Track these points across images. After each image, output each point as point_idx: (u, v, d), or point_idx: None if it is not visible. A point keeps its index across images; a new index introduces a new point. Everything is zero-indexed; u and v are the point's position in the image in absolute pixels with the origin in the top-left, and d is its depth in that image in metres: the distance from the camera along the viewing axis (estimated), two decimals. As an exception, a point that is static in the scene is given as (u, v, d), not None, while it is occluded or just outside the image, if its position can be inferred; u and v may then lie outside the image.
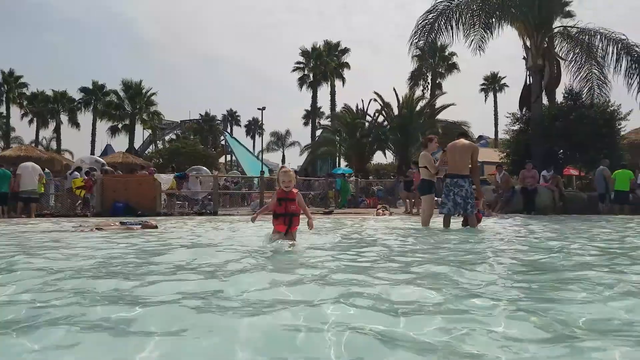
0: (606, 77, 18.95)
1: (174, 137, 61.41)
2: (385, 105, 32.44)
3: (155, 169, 21.04)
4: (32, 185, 16.11)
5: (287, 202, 5.55)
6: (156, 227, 9.34)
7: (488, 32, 18.46)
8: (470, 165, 8.84)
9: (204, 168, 26.32)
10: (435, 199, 9.93)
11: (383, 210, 15.99)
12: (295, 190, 5.65)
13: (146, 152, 55.80)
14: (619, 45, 18.41)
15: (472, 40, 18.70)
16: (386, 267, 4.03)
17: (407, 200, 17.78)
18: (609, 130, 18.31)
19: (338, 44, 54.38)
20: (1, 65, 61.90)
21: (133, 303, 2.51)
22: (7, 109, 54.39)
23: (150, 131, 56.83)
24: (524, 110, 20.39)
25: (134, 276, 3.46)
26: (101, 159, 23.45)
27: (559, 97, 20.37)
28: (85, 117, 57.55)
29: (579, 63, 19.36)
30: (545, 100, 19.92)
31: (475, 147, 9.07)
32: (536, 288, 3.10)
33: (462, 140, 8.99)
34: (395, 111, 32.18)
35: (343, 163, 40.32)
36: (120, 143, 55.76)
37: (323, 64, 53.26)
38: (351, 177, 27.38)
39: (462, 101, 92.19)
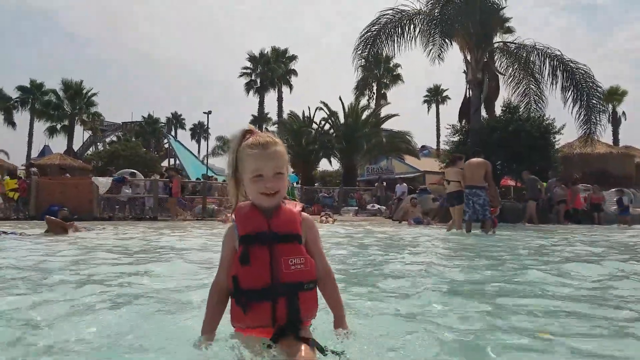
0: (542, 93, 19.98)
1: (114, 139, 59.39)
2: (332, 114, 32.76)
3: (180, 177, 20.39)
4: None
5: (270, 247, 1.85)
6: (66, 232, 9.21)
7: (446, 41, 18.99)
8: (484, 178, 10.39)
9: (135, 171, 25.21)
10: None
11: (327, 218, 16.16)
12: (296, 209, 1.99)
13: (86, 154, 53.65)
14: (555, 61, 19.39)
15: (431, 50, 19.24)
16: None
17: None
18: (544, 142, 19.32)
19: (286, 50, 54.44)
20: None
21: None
22: (-64, 106, 50.90)
23: (90, 132, 54.69)
24: (463, 122, 21.15)
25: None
26: None
27: (498, 110, 21.29)
28: (22, 117, 54.66)
29: (517, 78, 20.33)
30: (484, 113, 20.75)
31: (488, 164, 10.69)
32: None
33: (477, 159, 10.72)
34: (342, 119, 32.56)
35: (289, 169, 40.18)
36: (58, 144, 53.42)
37: (270, 70, 53.13)
38: (297, 184, 27.50)
39: (406, 112, 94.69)
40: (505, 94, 20.90)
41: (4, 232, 8.77)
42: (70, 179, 19.84)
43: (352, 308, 2.54)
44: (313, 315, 1.88)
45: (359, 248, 6.84)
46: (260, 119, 55.76)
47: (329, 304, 1.94)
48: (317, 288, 1.90)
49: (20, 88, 52.09)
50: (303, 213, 1.96)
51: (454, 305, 2.76)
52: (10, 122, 54.34)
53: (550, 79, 19.31)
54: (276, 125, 46.95)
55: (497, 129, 19.26)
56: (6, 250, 5.81)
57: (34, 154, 49.84)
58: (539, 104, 19.93)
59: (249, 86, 54.70)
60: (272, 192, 1.84)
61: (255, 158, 1.84)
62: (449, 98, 60.95)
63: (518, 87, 20.25)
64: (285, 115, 44.09)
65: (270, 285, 1.77)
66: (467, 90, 20.48)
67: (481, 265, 4.89)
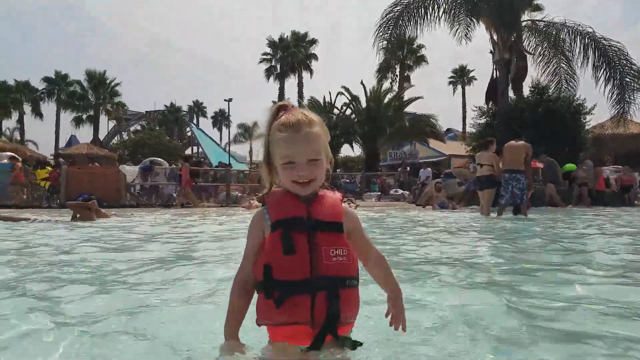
0: (574, 71, 19.40)
1: (139, 128, 60.12)
2: (353, 99, 32.42)
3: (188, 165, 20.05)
4: None
5: (309, 235, 1.62)
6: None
7: (473, 20, 18.59)
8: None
9: (157, 159, 25.43)
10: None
11: (349, 204, 15.98)
12: (333, 196, 1.76)
13: (111, 143, 54.49)
14: (587, 39, 18.79)
15: (457, 30, 18.86)
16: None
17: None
18: (574, 123, 18.81)
19: (306, 34, 54.10)
20: None
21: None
22: (-32, 99, 52.21)
23: (114, 122, 55.48)
24: (490, 104, 20.72)
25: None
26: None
27: (526, 90, 20.78)
28: (48, 108, 55.96)
29: (547, 57, 19.78)
30: (511, 94, 20.29)
31: (530, 147, 10.52)
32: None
33: (518, 142, 10.53)
34: (364, 104, 32.23)
35: (328, 152, 40.07)
36: (84, 134, 54.35)
37: (290, 54, 52.88)
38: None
39: (431, 94, 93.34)
40: (534, 73, 20.38)
41: (36, 220, 8.95)
42: (98, 168, 20.14)
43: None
44: (354, 317, 1.66)
45: (384, 233, 6.75)
46: (279, 106, 55.58)
47: (380, 280, 1.76)
48: (370, 273, 1.76)
49: (46, 79, 53.10)
50: (345, 204, 1.74)
51: (497, 296, 2.65)
52: (38, 114, 55.60)
53: (581, 57, 18.74)
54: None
55: (526, 110, 18.80)
56: (42, 236, 5.86)
57: (62, 144, 50.81)
58: (570, 83, 19.41)
59: (269, 72, 54.62)
60: (305, 180, 1.61)
61: (285, 142, 1.59)
62: (476, 79, 59.89)
63: (548, 67, 19.73)
64: (305, 102, 43.97)
65: (309, 278, 1.54)
66: (494, 71, 20.04)
67: (526, 248, 4.75)
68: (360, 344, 1.58)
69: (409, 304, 2.39)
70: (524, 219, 9.74)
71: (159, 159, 24.43)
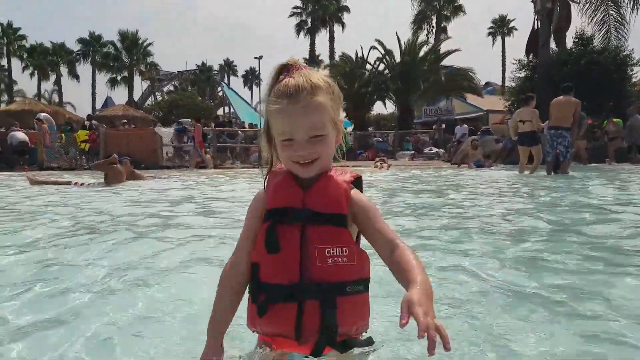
0: (624, 18, 18.24)
1: (172, 88, 60.59)
2: (387, 53, 31.51)
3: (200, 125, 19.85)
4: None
5: (302, 229, 1.35)
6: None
7: None
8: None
9: (188, 120, 25.53)
10: None
11: (381, 164, 15.81)
12: (344, 177, 1.43)
13: (145, 104, 55.22)
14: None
15: None
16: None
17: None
18: (620, 76, 17.88)
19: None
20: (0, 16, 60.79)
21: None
22: (9, 62, 53.73)
23: (148, 82, 56.08)
24: (530, 56, 19.87)
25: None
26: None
27: (569, 42, 19.78)
28: (84, 69, 57.02)
29: (594, 4, 18.60)
30: (553, 45, 19.37)
31: (578, 102, 10.12)
32: None
33: (567, 97, 10.09)
34: (398, 58, 31.37)
35: (342, 116, 39.64)
36: (120, 95, 55.32)
37: (322, 7, 51.68)
38: (350, 129, 27.14)
39: (469, 46, 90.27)
40: (578, 23, 19.32)
41: (77, 183, 9.22)
42: (134, 129, 20.52)
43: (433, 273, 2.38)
44: (362, 328, 1.37)
45: (421, 195, 6.63)
46: (311, 62, 54.95)
47: (401, 275, 1.23)
48: (388, 267, 1.30)
49: (81, 41, 53.85)
50: (354, 190, 1.40)
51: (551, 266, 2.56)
52: (74, 75, 56.77)
53: (631, 4, 17.58)
54: (327, 68, 46.18)
55: (568, 63, 17.95)
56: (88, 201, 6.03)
57: (98, 105, 51.85)
58: (619, 32, 18.27)
59: (299, 27, 53.70)
60: (306, 160, 1.34)
61: (280, 115, 1.32)
62: (516, 29, 57.43)
63: (595, 15, 18.56)
64: (337, 57, 43.20)
65: (297, 282, 1.29)
66: (535, 21, 19.12)
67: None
68: (372, 342, 1.38)
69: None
70: (565, 177, 9.56)
71: (188, 120, 24.62)
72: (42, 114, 20.06)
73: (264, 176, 1.47)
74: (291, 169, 1.38)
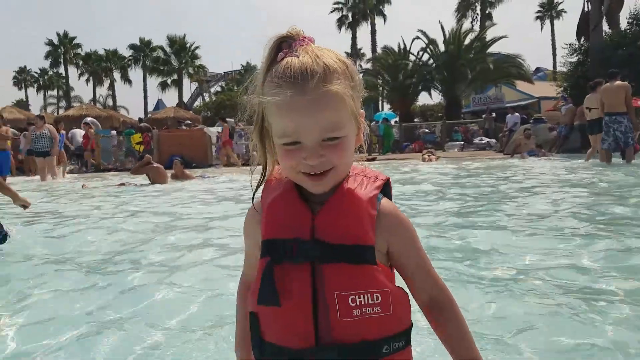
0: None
1: (219, 89, 61.89)
2: (430, 42, 31.03)
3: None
4: None
5: (313, 269, 0.98)
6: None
7: None
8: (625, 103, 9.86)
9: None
10: None
11: (429, 156, 15.66)
12: (369, 190, 1.04)
13: (194, 105, 56.73)
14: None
15: None
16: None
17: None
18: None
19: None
20: (57, 27, 64.90)
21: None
22: (65, 69, 57.49)
23: (196, 84, 57.61)
24: (582, 39, 19.09)
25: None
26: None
27: (623, 23, 18.86)
28: (135, 74, 59.54)
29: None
30: (606, 27, 18.53)
31: (629, 86, 9.99)
32: None
33: (615, 82, 9.98)
34: (442, 47, 30.84)
35: (386, 107, 39.36)
36: (170, 98, 57.16)
37: (362, 1, 51.35)
38: (395, 122, 26.82)
39: (516, 31, 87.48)
40: (632, 2, 18.42)
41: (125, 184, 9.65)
42: (185, 130, 21.19)
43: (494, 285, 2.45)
44: None
45: (475, 190, 6.58)
46: (353, 56, 54.70)
47: (450, 345, 1.03)
48: (428, 319, 1.07)
49: (132, 46, 55.97)
50: (384, 200, 1.04)
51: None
52: (127, 80, 59.16)
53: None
54: (370, 63, 45.98)
55: (623, 45, 17.15)
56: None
57: (150, 107, 53.70)
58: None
59: (340, 22, 53.57)
60: (317, 172, 0.97)
61: (282, 110, 0.95)
62: (565, 12, 55.15)
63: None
64: (379, 50, 42.84)
65: (313, 347, 0.95)
66: (586, 3, 18.33)
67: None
68: None
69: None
70: (631, 165, 9.37)
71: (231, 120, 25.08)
72: (89, 118, 20.88)
73: (254, 188, 1.10)
74: (296, 181, 1.02)
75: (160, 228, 4.27)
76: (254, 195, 1.09)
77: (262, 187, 1.11)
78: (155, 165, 9.91)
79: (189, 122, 23.42)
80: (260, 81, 1.01)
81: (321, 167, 0.96)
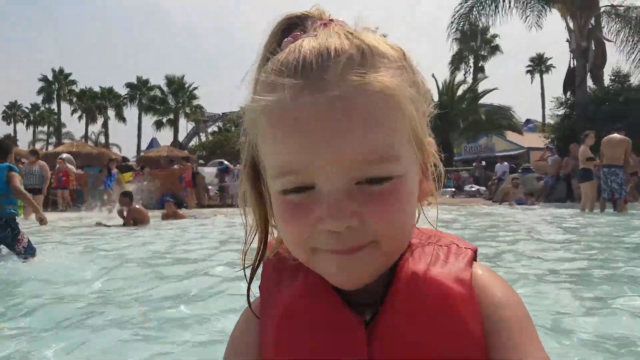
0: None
1: (216, 129, 62.45)
2: (425, 93, 31.84)
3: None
4: None
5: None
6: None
7: (545, 7, 18.13)
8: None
9: (223, 161, 25.97)
10: None
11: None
12: (458, 270, 0.60)
13: (190, 144, 57.03)
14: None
15: (528, 17, 18.44)
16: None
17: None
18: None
19: (375, 30, 53.75)
20: (52, 63, 65.72)
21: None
22: (58, 105, 57.66)
23: (193, 123, 58.12)
24: (568, 94, 19.75)
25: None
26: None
27: (607, 79, 19.63)
28: (131, 112, 60.02)
29: (631, 42, 18.56)
30: (590, 83, 19.23)
31: (629, 141, 10.37)
32: None
33: (618, 135, 10.43)
34: (435, 98, 31.59)
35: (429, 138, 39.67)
36: (165, 136, 57.50)
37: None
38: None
39: (507, 84, 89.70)
40: (614, 60, 19.25)
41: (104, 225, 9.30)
42: (177, 169, 21.23)
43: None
44: None
45: (472, 233, 6.65)
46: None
47: None
48: None
49: (129, 85, 56.70)
50: (482, 290, 0.61)
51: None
52: (121, 118, 59.57)
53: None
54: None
55: (606, 101, 17.77)
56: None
57: (143, 146, 53.93)
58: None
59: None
60: (345, 247, 0.55)
61: (274, 126, 0.55)
62: (554, 67, 56.80)
63: (633, 53, 18.48)
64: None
65: None
66: (571, 59, 19.07)
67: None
68: None
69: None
70: (619, 215, 9.60)
71: (223, 161, 25.18)
72: (65, 154, 19.88)
73: (248, 277, 0.69)
74: (309, 265, 0.61)
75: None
76: (248, 291, 0.67)
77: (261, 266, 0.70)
78: (138, 207, 9.66)
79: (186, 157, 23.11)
80: (252, 86, 0.61)
81: (352, 237, 0.54)
